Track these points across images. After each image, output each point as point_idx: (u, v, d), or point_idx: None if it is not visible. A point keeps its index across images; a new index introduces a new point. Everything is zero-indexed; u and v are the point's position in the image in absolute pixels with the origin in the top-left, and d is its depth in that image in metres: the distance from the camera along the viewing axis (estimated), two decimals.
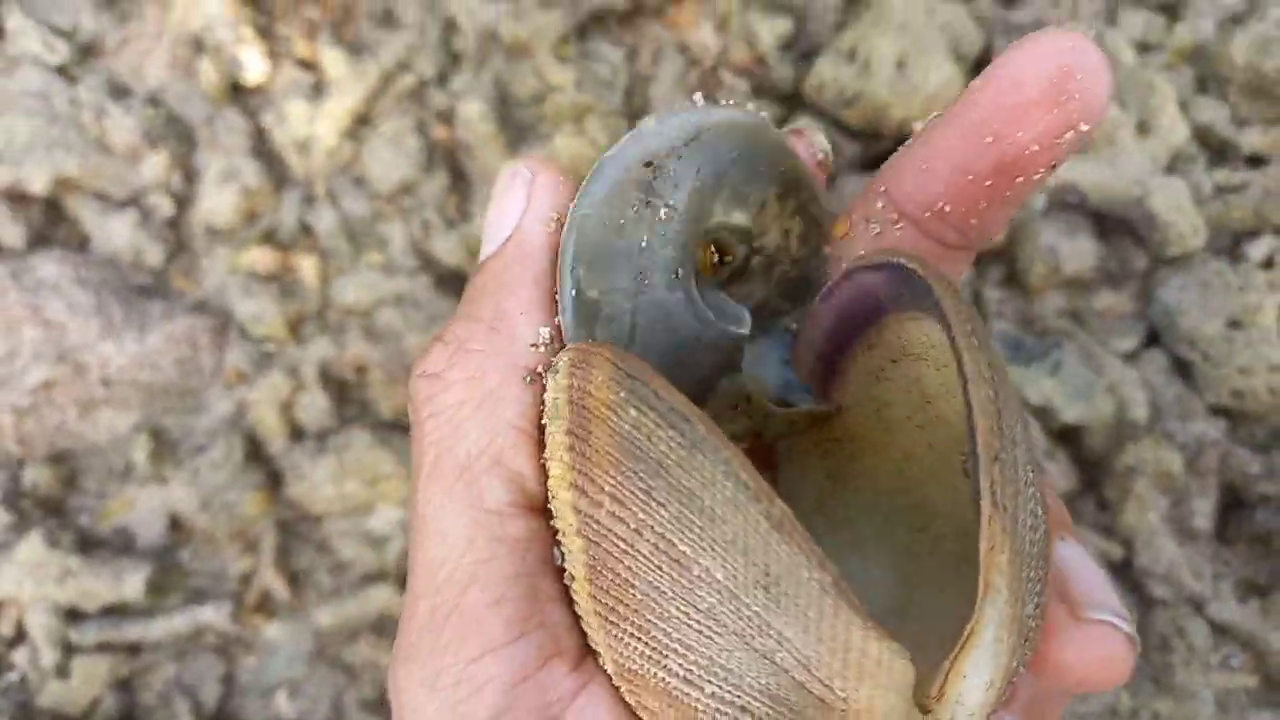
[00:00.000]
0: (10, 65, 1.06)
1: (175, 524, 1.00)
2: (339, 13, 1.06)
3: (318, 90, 1.05)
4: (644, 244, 0.29)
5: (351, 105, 1.03)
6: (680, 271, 0.29)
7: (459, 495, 0.28)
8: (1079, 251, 1.00)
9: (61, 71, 1.05)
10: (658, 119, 0.30)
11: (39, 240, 1.03)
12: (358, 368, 0.97)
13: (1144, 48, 1.08)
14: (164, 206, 1.03)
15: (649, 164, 0.29)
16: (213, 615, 0.98)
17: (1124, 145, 0.98)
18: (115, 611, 0.97)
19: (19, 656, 0.97)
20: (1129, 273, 1.03)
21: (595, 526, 0.26)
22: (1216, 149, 1.06)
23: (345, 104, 1.03)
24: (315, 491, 0.98)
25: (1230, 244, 1.06)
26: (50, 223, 1.05)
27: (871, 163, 1.10)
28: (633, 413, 0.24)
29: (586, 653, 0.29)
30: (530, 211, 0.31)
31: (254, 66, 1.02)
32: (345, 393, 1.02)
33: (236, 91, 1.05)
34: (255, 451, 1.00)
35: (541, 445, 0.28)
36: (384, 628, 1.01)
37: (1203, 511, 0.99)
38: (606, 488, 0.25)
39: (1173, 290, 1.02)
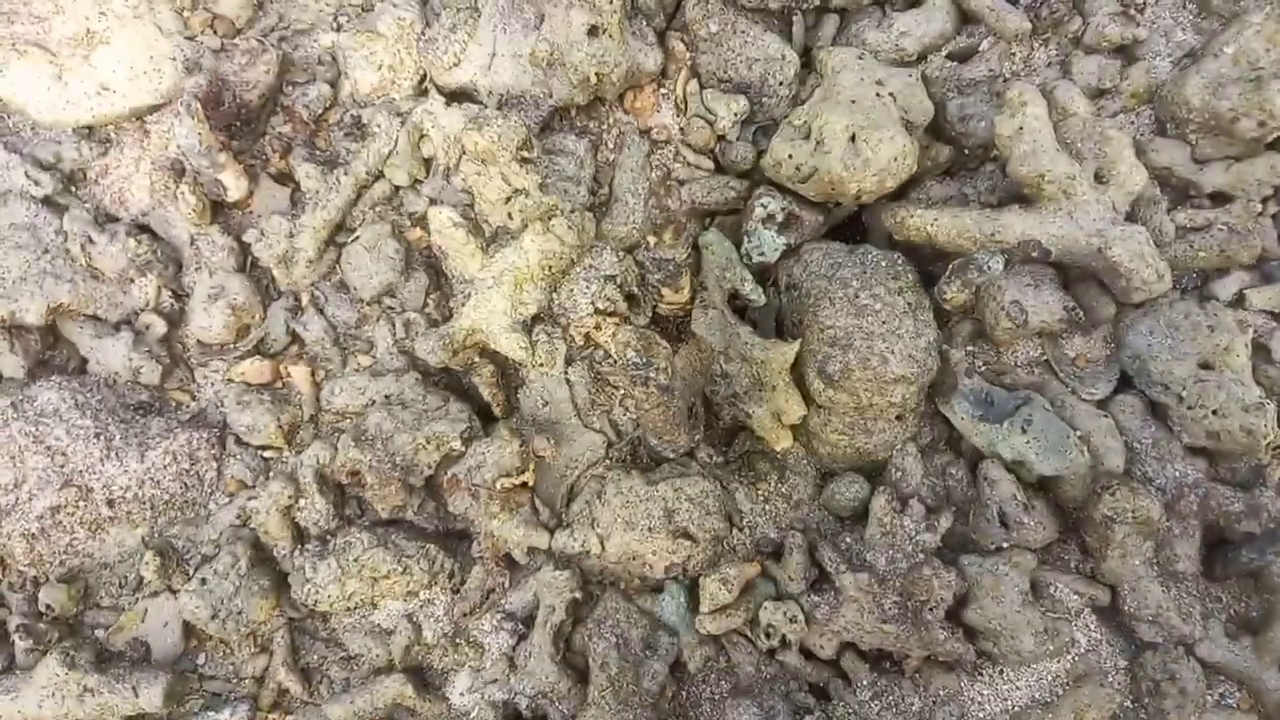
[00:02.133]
0: (1, 200, 1.10)
1: (188, 632, 1.05)
2: (311, 126, 1.10)
3: (296, 203, 1.10)
4: None
5: (329, 216, 1.07)
6: None
7: None
8: (1044, 303, 1.03)
9: (47, 202, 1.09)
10: None
11: (38, 367, 1.08)
12: (351, 472, 1.01)
13: (1099, 93, 1.11)
14: (156, 326, 1.08)
15: None
16: (231, 718, 1.02)
17: (1081, 197, 1.01)
18: None
19: None
20: (1097, 319, 1.05)
21: None
22: (1179, 189, 1.08)
23: (322, 215, 1.07)
24: (321, 591, 1.01)
25: (1197, 283, 1.08)
26: (48, 348, 1.09)
27: (834, 231, 1.13)
28: None
29: None
30: None
31: (233, 185, 1.07)
32: (343, 494, 1.06)
33: (218, 210, 1.09)
34: (260, 557, 1.04)
35: None
36: (396, 717, 1.05)
37: (1186, 554, 1.01)
38: None
39: (1142, 334, 1.04)
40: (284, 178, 1.12)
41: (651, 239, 0.90)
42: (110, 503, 1.04)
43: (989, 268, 1.00)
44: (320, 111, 1.11)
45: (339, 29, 1.13)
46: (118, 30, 1.09)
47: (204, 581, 1.02)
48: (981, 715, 1.03)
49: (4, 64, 1.09)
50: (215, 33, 1.12)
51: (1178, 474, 1.02)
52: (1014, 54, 1.13)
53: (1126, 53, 1.12)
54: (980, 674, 1.04)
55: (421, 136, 1.09)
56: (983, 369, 1.07)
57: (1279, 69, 1.02)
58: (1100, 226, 1.01)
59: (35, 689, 0.99)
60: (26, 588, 1.05)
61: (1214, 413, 1.00)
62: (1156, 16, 1.12)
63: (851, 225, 1.14)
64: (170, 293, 1.09)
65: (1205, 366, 1.02)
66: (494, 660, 1.05)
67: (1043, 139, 1.01)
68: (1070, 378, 1.06)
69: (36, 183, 1.09)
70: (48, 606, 1.03)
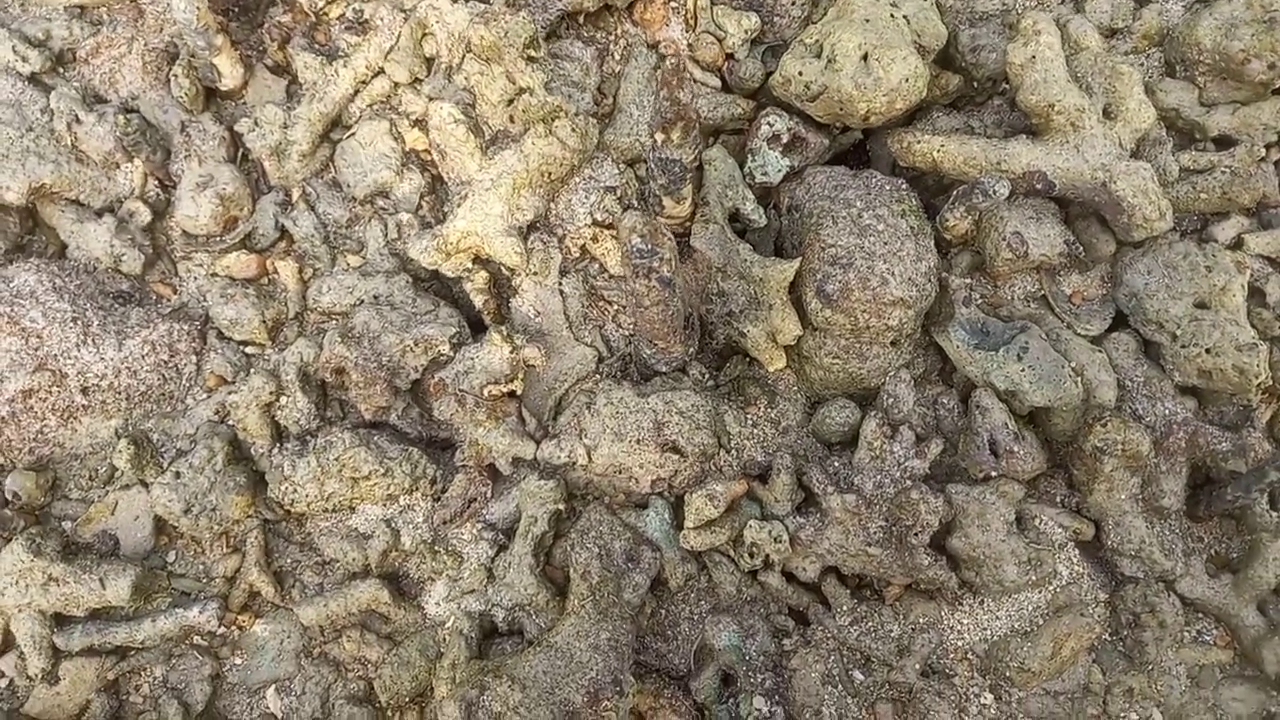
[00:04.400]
0: None
1: (160, 527, 1.03)
2: (311, 18, 1.08)
3: (291, 96, 1.08)
4: None
5: (325, 109, 1.05)
6: None
7: None
8: (1045, 236, 1.03)
9: (34, 80, 1.07)
10: None
11: (16, 250, 1.06)
12: (336, 370, 1.00)
13: (1111, 32, 1.11)
14: (141, 214, 1.06)
15: None
16: (199, 616, 1.00)
17: (1089, 131, 1.01)
18: (102, 616, 1.00)
19: (6, 664, 1.00)
20: (1096, 256, 1.06)
21: None
22: (1184, 131, 1.09)
23: (319, 108, 1.05)
24: (299, 490, 1.00)
25: (1198, 225, 1.09)
26: (26, 231, 1.07)
27: (839, 156, 1.12)
28: None
29: None
30: None
31: (229, 73, 1.05)
32: (326, 394, 1.04)
33: (211, 98, 1.07)
34: (238, 454, 1.02)
35: None
36: (369, 623, 1.03)
37: (1172, 490, 1.02)
38: None
39: (1140, 273, 1.05)
40: (280, 69, 1.10)
41: (659, 135, 0.89)
42: (84, 390, 1.02)
43: (994, 192, 1.01)
44: (322, 4, 1.09)
45: None
46: None
47: (178, 475, 1.00)
48: (960, 644, 1.04)
49: None
50: None
51: (1167, 412, 1.03)
52: None
53: None
54: (961, 603, 1.04)
55: (425, 33, 1.07)
56: (979, 300, 1.07)
57: None
58: (1106, 161, 1.02)
59: None
60: None
61: (1207, 351, 1.01)
62: None
63: (855, 154, 1.14)
64: (156, 181, 1.07)
65: (1201, 306, 1.03)
66: (472, 570, 1.04)
67: (1054, 69, 1.02)
68: (1066, 313, 1.06)
69: (24, 59, 1.06)
70: (14, 494, 1.01)
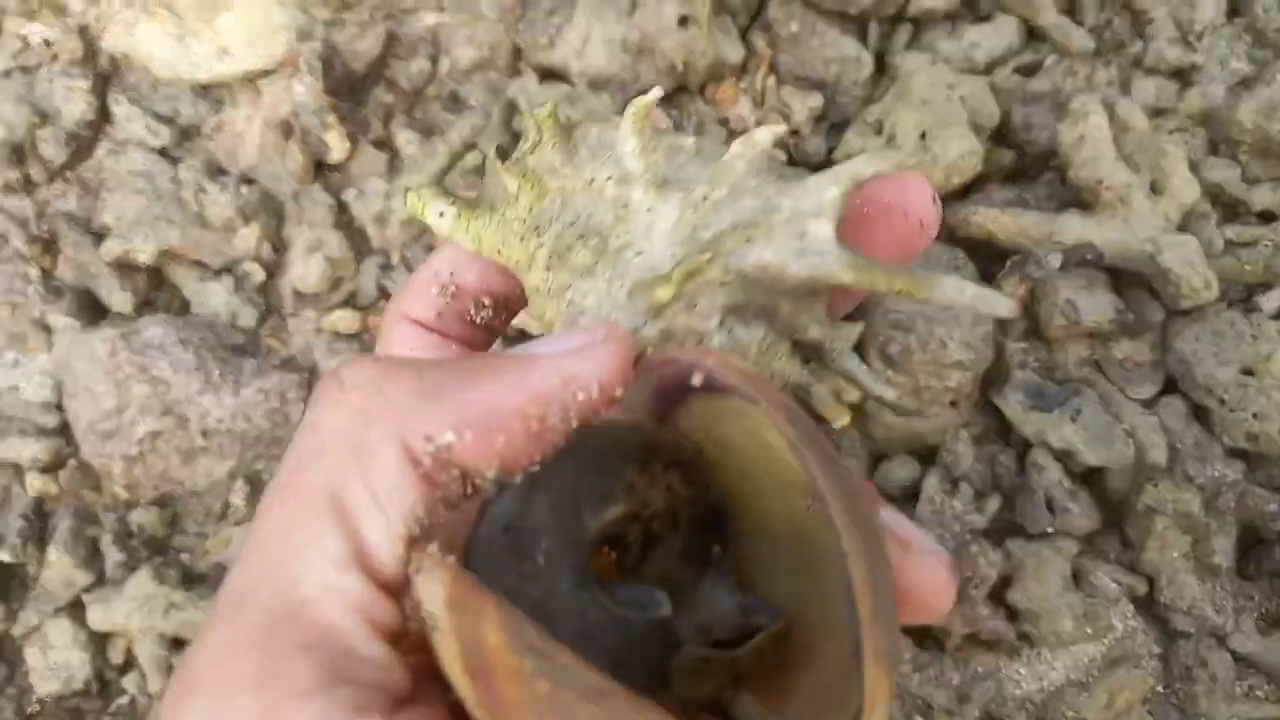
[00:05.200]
0: (118, 148, 1.21)
1: None
2: (412, 97, 1.19)
3: (393, 168, 1.18)
4: (538, 596, 0.29)
5: (423, 181, 1.15)
6: (584, 597, 0.29)
7: (302, 526, 0.27)
8: (1097, 305, 1.10)
9: (163, 153, 1.19)
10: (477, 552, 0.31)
11: (145, 305, 1.17)
12: None
13: (1156, 112, 1.18)
14: (256, 274, 1.17)
15: (507, 529, 0.30)
16: None
17: (1137, 206, 1.08)
18: None
19: (128, 682, 1.09)
20: (1146, 324, 1.12)
21: None
22: (1228, 206, 1.16)
23: (419, 180, 1.15)
24: None
25: (1243, 296, 1.15)
26: (154, 289, 1.18)
27: None
28: (545, 685, 0.23)
29: (396, 708, 0.27)
30: (572, 355, 0.31)
31: (337, 147, 1.16)
32: None
33: (320, 170, 1.18)
34: None
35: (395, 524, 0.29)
36: None
37: (1223, 549, 1.07)
38: None
39: (1189, 340, 1.11)
40: (382, 144, 1.20)
41: None
42: (204, 433, 1.12)
43: (1046, 263, 1.08)
44: (421, 84, 1.20)
45: (442, 9, 1.23)
46: None
47: None
48: (1018, 693, 1.09)
49: (134, 23, 1.19)
50: (327, 7, 1.22)
51: (1217, 474, 1.08)
52: (1077, 71, 1.21)
53: (1183, 76, 1.20)
54: (1019, 654, 1.09)
55: (513, 111, 1.17)
56: (1035, 364, 1.13)
57: None
58: (1153, 234, 1.09)
59: (126, 600, 1.06)
60: (120, 509, 1.13)
61: (1254, 416, 1.06)
62: (1213, 45, 1.20)
63: None
64: (270, 244, 1.18)
65: (1247, 373, 1.08)
66: None
67: (1103, 148, 1.09)
68: (1117, 377, 1.12)
69: (155, 134, 1.19)
70: (139, 527, 1.11)
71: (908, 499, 1.13)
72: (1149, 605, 1.10)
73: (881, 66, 1.22)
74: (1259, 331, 1.10)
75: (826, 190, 0.34)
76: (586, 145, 0.36)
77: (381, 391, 0.29)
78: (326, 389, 0.29)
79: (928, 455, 1.14)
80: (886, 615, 0.26)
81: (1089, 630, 1.05)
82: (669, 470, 0.32)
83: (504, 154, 0.41)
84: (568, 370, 0.30)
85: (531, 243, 0.37)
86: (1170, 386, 1.13)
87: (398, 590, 0.28)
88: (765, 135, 0.35)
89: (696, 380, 0.30)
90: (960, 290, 0.35)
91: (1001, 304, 0.36)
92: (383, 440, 0.27)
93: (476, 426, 0.28)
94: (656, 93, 0.37)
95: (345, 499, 0.27)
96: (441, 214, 0.39)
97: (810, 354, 0.38)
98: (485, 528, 0.31)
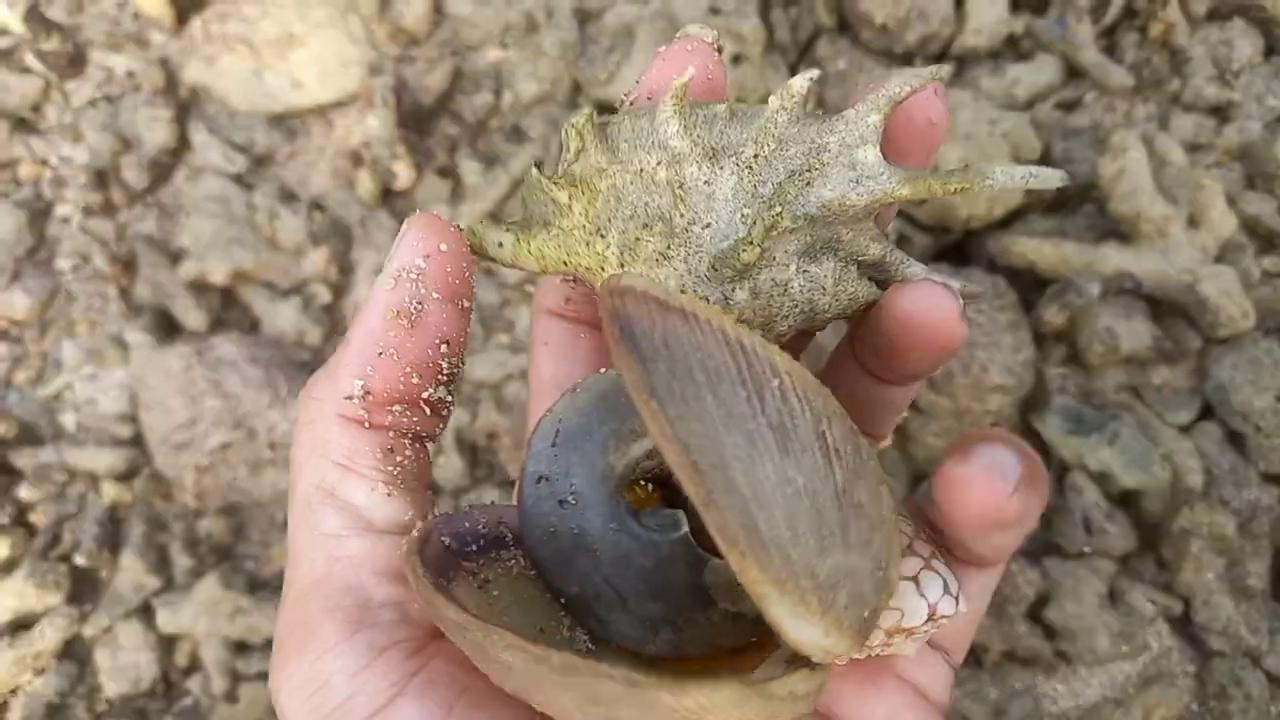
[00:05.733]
0: (196, 174, 1.27)
1: None
2: (475, 129, 1.25)
3: (455, 195, 1.24)
4: (576, 531, 0.33)
5: (484, 208, 1.21)
6: (613, 528, 0.33)
7: (303, 522, 0.35)
8: (1135, 332, 1.13)
9: (238, 179, 1.25)
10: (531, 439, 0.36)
11: (217, 324, 1.23)
12: (489, 434, 1.14)
13: (1194, 148, 1.22)
14: (323, 295, 1.23)
15: (540, 479, 0.34)
16: None
17: (1175, 237, 1.12)
18: None
19: (193, 684, 1.14)
20: (1184, 351, 1.15)
21: None
22: (1265, 238, 1.19)
23: (479, 207, 1.21)
24: None
25: (1279, 325, 1.18)
26: (226, 308, 1.25)
27: (939, 254, 1.24)
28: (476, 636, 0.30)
29: (428, 640, 0.33)
30: (390, 262, 0.35)
31: (404, 175, 1.22)
32: (477, 456, 1.19)
33: (387, 196, 1.24)
34: None
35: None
36: None
37: (1257, 572, 1.09)
38: None
39: (1225, 368, 1.14)
40: (445, 172, 1.27)
41: None
42: (272, 445, 1.17)
43: (1086, 291, 1.11)
44: (484, 117, 1.27)
45: (505, 46, 1.29)
46: (314, 35, 1.26)
47: None
48: (1055, 710, 1.12)
49: (214, 58, 1.27)
50: (396, 44, 1.29)
51: (1252, 498, 1.11)
52: (1115, 107, 1.26)
53: (1220, 113, 1.23)
54: (1055, 671, 1.12)
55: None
56: (1074, 389, 1.17)
57: None
58: (1191, 265, 1.12)
59: (193, 604, 1.12)
60: (189, 517, 1.18)
61: None
62: (1250, 83, 1.24)
63: (957, 248, 1.26)
64: (336, 266, 1.24)
65: None
66: None
67: (1142, 182, 1.13)
68: (1155, 403, 1.15)
69: (231, 162, 1.26)
70: (207, 534, 1.16)
71: None
72: (1184, 625, 1.13)
73: None
74: None
75: (867, 118, 0.35)
76: (624, 138, 0.37)
77: (310, 396, 0.36)
78: (296, 428, 0.37)
79: None
80: (733, 493, 0.27)
81: (1125, 649, 1.07)
82: None
83: (542, 169, 0.42)
84: (388, 274, 0.35)
85: (598, 245, 0.37)
86: (1207, 413, 1.16)
87: (403, 525, 0.35)
88: (801, 83, 0.36)
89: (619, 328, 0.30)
90: (1011, 175, 0.36)
91: (1054, 176, 0.36)
92: (325, 424, 0.35)
93: (366, 362, 0.35)
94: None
95: (325, 483, 0.35)
96: (500, 243, 0.40)
97: (875, 271, 0.39)
98: (525, 480, 0.35)
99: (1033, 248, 1.16)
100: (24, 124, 1.32)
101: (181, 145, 1.29)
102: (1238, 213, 1.17)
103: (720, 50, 0.39)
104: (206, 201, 1.25)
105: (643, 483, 0.36)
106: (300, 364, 1.22)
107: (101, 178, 1.28)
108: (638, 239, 0.36)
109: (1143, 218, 1.12)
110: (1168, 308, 1.16)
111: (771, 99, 0.36)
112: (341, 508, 0.34)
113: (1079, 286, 1.12)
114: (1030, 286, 1.20)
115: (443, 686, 0.32)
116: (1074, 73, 1.27)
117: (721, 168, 0.35)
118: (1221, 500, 1.12)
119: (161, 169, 1.27)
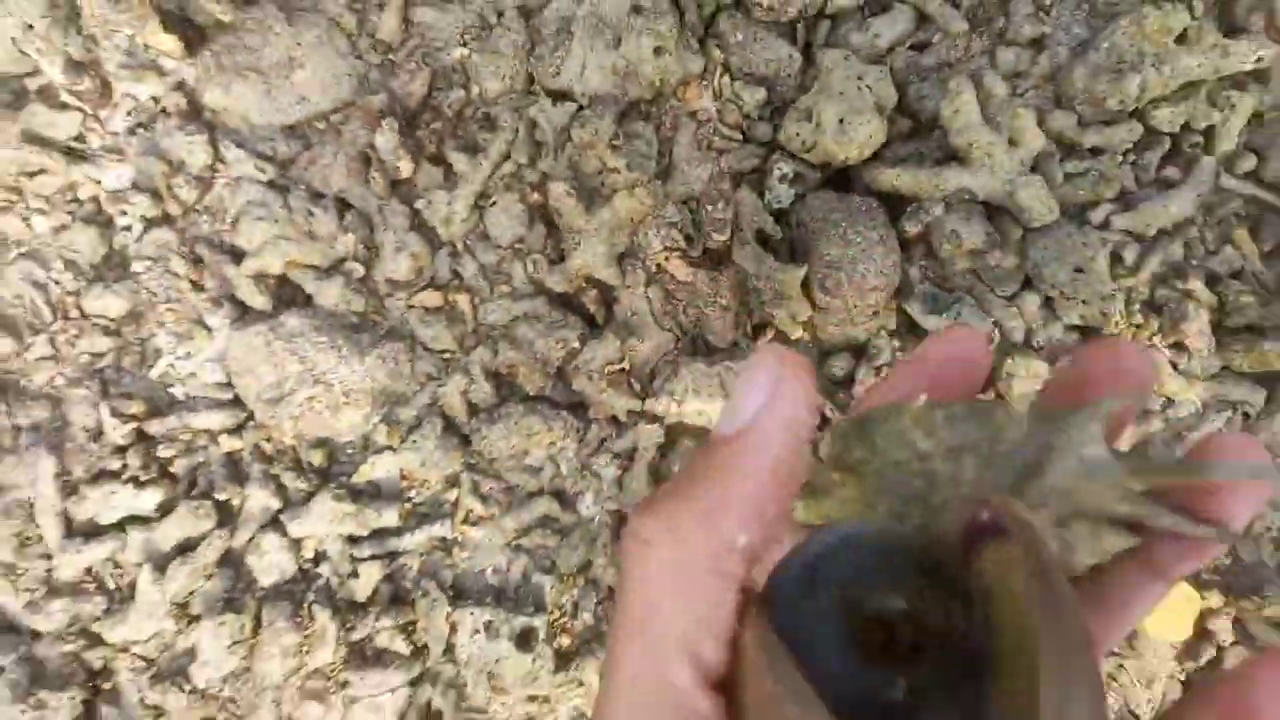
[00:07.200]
0: (234, 183, 1.58)
1: (404, 476, 1.60)
2: (454, 121, 1.57)
3: (448, 178, 1.58)
4: (808, 638, 0.32)
5: (475, 188, 1.56)
6: (839, 650, 0.32)
7: (650, 668, 0.32)
8: (973, 231, 1.54)
9: (271, 184, 1.57)
10: (777, 575, 0.34)
11: (279, 304, 1.59)
12: (509, 366, 1.54)
13: (1016, 75, 1.58)
14: (357, 270, 1.58)
15: (800, 579, 0.33)
16: (440, 529, 1.58)
17: (998, 158, 1.51)
18: (379, 534, 1.58)
19: (323, 569, 1.58)
20: (1009, 241, 1.57)
21: None
22: (1068, 147, 1.58)
23: (470, 188, 1.55)
24: (492, 445, 1.56)
25: (1078, 213, 1.59)
26: (282, 288, 1.60)
27: (825, 184, 1.62)
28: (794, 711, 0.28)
29: None
30: (771, 411, 0.32)
31: (405, 168, 1.55)
32: (500, 381, 1.59)
33: (395, 186, 1.58)
34: (449, 425, 1.58)
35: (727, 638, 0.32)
36: (547, 522, 1.61)
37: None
38: None
39: (1038, 249, 1.56)
40: (436, 160, 1.59)
41: (709, 206, 1.39)
42: (345, 393, 1.57)
43: (931, 211, 1.51)
44: (460, 109, 1.58)
45: (465, 44, 1.59)
46: (310, 55, 1.54)
47: (415, 442, 1.56)
48: None
49: (230, 84, 1.55)
50: (377, 52, 1.57)
51: (1058, 340, 1.56)
52: (957, 45, 1.60)
53: (1036, 44, 1.59)
54: None
55: (534, 126, 1.56)
56: (931, 277, 1.59)
57: (1136, 62, 1.51)
58: (1011, 178, 1.52)
59: (313, 517, 1.54)
60: (291, 453, 1.59)
61: (1083, 301, 1.54)
62: (1059, 15, 1.58)
63: (840, 179, 1.64)
64: (364, 246, 1.59)
65: (1079, 271, 1.55)
66: (609, 483, 1.61)
67: (973, 118, 1.50)
68: (990, 280, 1.59)
69: (261, 170, 1.57)
70: (309, 463, 1.58)
71: (846, 384, 1.62)
72: None
73: (809, 57, 1.60)
74: (1086, 239, 1.55)
75: (1089, 427, 0.37)
76: (879, 436, 0.41)
77: (678, 537, 0.32)
78: (634, 550, 0.32)
79: (859, 350, 1.61)
80: None
81: None
82: (954, 597, 0.33)
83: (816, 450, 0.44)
84: (777, 421, 0.32)
85: (870, 516, 0.41)
86: (1026, 284, 1.59)
87: (726, 682, 0.33)
88: (1028, 392, 0.45)
89: (984, 515, 0.33)
90: (1232, 470, 0.37)
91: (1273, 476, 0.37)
92: (699, 575, 0.32)
93: (751, 518, 0.32)
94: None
95: (686, 639, 0.32)
96: (793, 507, 0.42)
97: (1127, 524, 0.41)
98: (783, 573, 0.34)
99: (894, 176, 1.54)
100: (72, 151, 1.60)
101: (216, 158, 1.59)
102: (1046, 129, 1.56)
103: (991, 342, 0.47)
104: (250, 206, 1.57)
105: (877, 627, 0.34)
106: (350, 326, 1.59)
107: (155, 194, 1.58)
108: (902, 514, 0.40)
109: (974, 146, 1.51)
110: (996, 210, 1.57)
111: (998, 406, 0.40)
112: (696, 663, 0.31)
113: (927, 207, 1.52)
114: (896, 203, 1.60)
115: None
116: (923, 18, 1.61)
117: (963, 463, 0.39)
118: (1035, 346, 1.57)
119: (205, 183, 1.58)
